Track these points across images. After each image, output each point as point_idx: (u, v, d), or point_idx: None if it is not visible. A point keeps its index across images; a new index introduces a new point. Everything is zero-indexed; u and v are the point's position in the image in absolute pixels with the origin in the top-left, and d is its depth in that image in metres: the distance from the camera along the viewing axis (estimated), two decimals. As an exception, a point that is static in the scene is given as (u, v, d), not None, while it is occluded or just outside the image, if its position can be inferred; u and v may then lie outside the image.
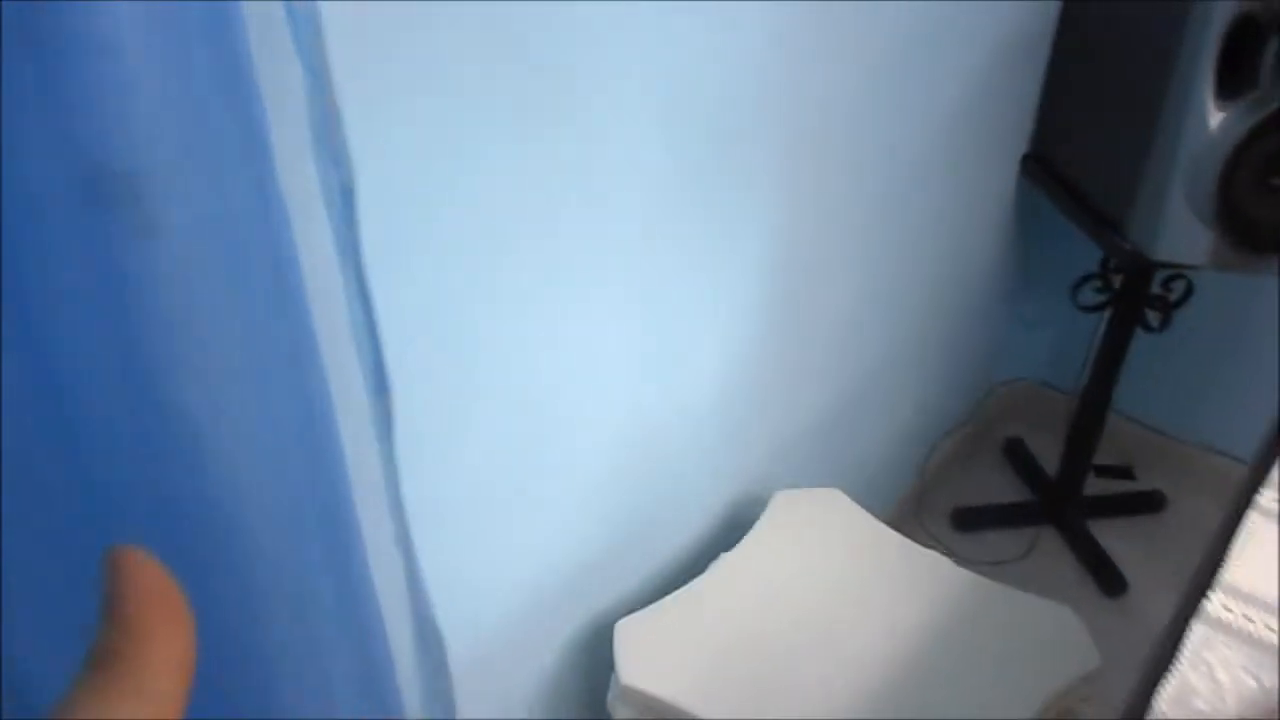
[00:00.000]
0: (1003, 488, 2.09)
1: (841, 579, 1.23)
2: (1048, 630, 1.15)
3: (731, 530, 1.34)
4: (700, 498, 1.35)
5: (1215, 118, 1.37)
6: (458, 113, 0.75)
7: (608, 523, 1.18)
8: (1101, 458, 1.96)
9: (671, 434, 1.22)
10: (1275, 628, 0.72)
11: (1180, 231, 1.44)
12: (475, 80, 0.75)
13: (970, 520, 1.98)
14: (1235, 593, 0.75)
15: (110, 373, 0.53)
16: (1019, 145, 1.75)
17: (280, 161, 0.53)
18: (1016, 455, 2.14)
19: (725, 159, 1.08)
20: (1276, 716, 0.63)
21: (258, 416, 0.58)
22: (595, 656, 1.21)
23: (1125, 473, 2.08)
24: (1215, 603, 0.74)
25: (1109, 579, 1.85)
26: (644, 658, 1.12)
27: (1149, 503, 2.02)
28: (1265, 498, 0.85)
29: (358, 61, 0.64)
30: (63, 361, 0.52)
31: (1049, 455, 2.04)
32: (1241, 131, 1.35)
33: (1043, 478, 2.05)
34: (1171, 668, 0.68)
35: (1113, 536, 1.93)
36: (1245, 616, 0.73)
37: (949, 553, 1.26)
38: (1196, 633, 0.71)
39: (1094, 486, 1.99)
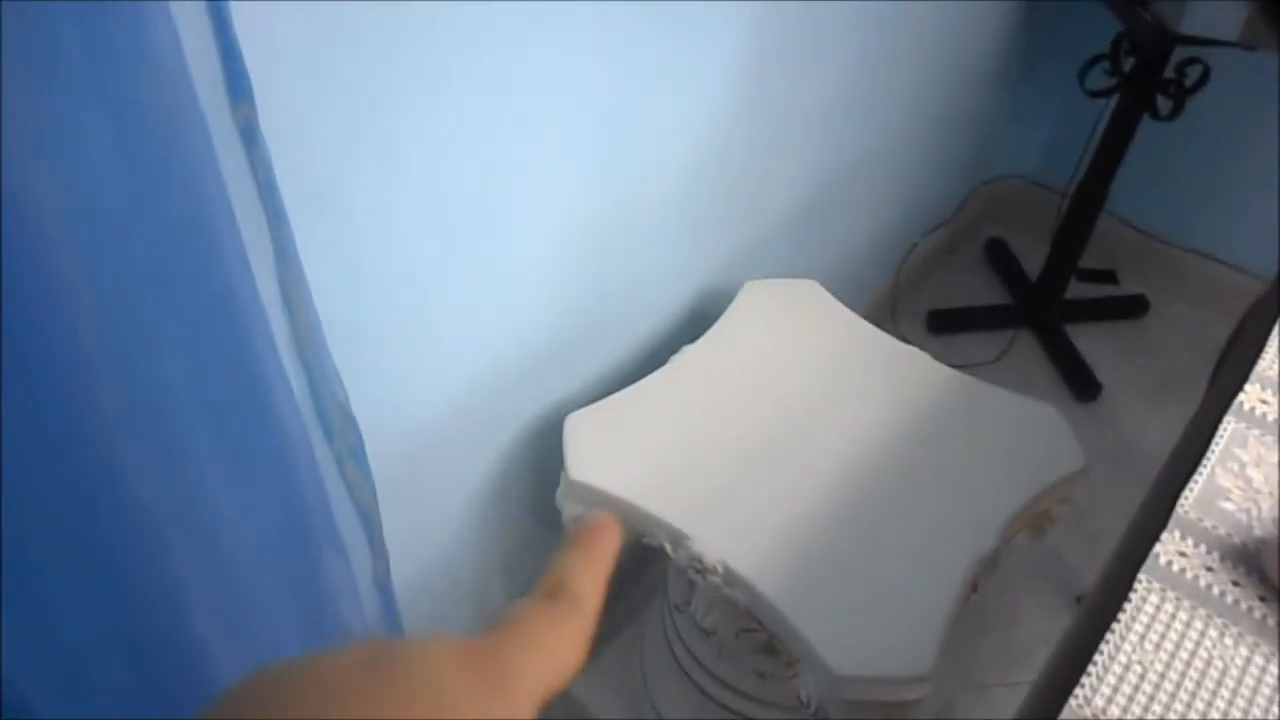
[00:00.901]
0: (981, 290, 2.00)
1: (813, 373, 1.13)
2: (1031, 429, 1.07)
3: (697, 322, 1.23)
4: (664, 289, 1.23)
5: None
6: None
7: (560, 313, 1.06)
8: (1086, 261, 1.86)
9: (634, 221, 1.09)
10: (1318, 424, 0.62)
11: (1210, 2, 1.28)
12: None
13: (945, 322, 1.90)
14: (1274, 386, 0.65)
15: None
16: (1036, -97, 1.54)
17: None
18: (998, 256, 2.04)
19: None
20: (1312, 522, 0.54)
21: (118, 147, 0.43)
22: (546, 450, 1.12)
23: (1109, 276, 1.99)
24: (1251, 396, 0.64)
25: (1082, 383, 1.79)
26: (595, 452, 1.03)
27: (1130, 308, 1.94)
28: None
29: None
30: None
31: (1032, 258, 1.94)
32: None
33: (1023, 280, 1.96)
34: (1199, 467, 0.59)
35: (1090, 341, 1.86)
36: (1284, 411, 0.64)
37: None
38: (1229, 429, 0.62)
39: (1076, 290, 1.90)
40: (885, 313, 1.87)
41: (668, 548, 1.00)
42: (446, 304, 0.90)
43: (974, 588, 0.98)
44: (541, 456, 1.14)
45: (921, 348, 1.17)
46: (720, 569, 0.96)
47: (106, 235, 0.40)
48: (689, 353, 1.14)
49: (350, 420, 0.64)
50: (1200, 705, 0.48)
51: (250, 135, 0.48)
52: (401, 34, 0.66)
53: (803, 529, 0.99)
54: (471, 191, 0.84)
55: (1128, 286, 1.98)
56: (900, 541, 0.98)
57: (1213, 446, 0.60)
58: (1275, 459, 0.60)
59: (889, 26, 1.35)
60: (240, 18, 0.47)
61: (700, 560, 0.97)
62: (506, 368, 1.03)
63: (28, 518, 0.48)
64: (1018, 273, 1.98)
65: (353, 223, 0.72)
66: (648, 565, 1.46)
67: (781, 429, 1.07)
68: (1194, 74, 1.57)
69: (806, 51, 1.21)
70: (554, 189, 0.94)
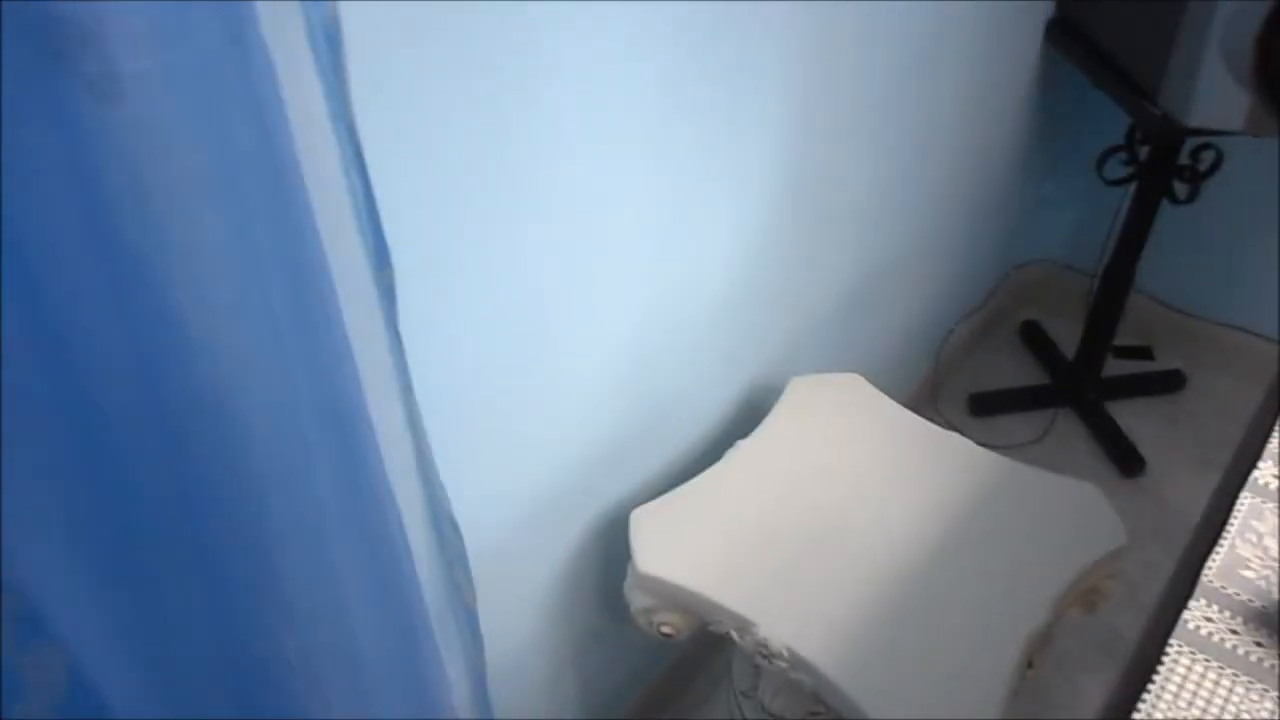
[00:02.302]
0: (1019, 372, 2.06)
1: (861, 463, 1.20)
2: (1073, 508, 1.13)
3: (748, 418, 1.30)
4: (716, 386, 1.31)
5: (1257, -30, 1.28)
6: None
7: (623, 413, 1.15)
8: (1121, 338, 1.92)
9: (687, 323, 1.18)
10: (1328, 496, 0.69)
11: (1216, 95, 1.37)
12: None
13: (987, 405, 1.95)
14: (1285, 462, 0.72)
15: (82, 253, 0.48)
16: (1044, 9, 1.66)
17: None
18: (1033, 338, 2.10)
19: (737, 34, 1.01)
20: (1329, 586, 0.60)
21: (249, 299, 0.53)
22: (612, 545, 1.19)
23: (1145, 353, 2.04)
24: (1264, 472, 0.70)
25: (1127, 459, 1.83)
26: (660, 545, 1.10)
27: (1168, 382, 1.99)
28: (1315, 364, 0.81)
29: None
30: (29, 240, 0.48)
31: (1066, 338, 2.00)
32: (1286, -15, 1.26)
33: (1060, 360, 2.02)
34: (1219, 540, 0.65)
35: (1131, 417, 1.90)
36: (1296, 485, 0.70)
37: (966, 438, 1.23)
38: (1245, 503, 0.68)
39: (1113, 368, 1.96)
40: (927, 397, 1.94)
41: (734, 635, 1.06)
42: (521, 412, 0.99)
43: (1029, 664, 1.03)
44: (609, 551, 1.21)
45: (964, 430, 1.23)
46: (786, 653, 1.02)
47: (281, 381, 0.49)
48: (743, 447, 1.22)
49: (456, 530, 0.73)
50: (1233, 756, 0.54)
51: (388, 294, 0.58)
52: (488, 175, 0.77)
53: (861, 612, 1.04)
54: (543, 308, 0.94)
55: (1164, 362, 2.03)
56: (955, 620, 1.03)
57: (1232, 520, 0.66)
58: (1290, 529, 0.66)
59: (914, 126, 1.45)
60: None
61: (766, 645, 1.03)
62: (574, 468, 1.11)
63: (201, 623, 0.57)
64: (1054, 353, 2.04)
65: (447, 349, 0.82)
66: (712, 654, 1.51)
67: (835, 517, 1.14)
68: (1208, 159, 1.65)
69: (838, 154, 1.31)
70: (612, 298, 1.04)
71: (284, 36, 0.51)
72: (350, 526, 0.64)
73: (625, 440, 1.17)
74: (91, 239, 0.46)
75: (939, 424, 1.25)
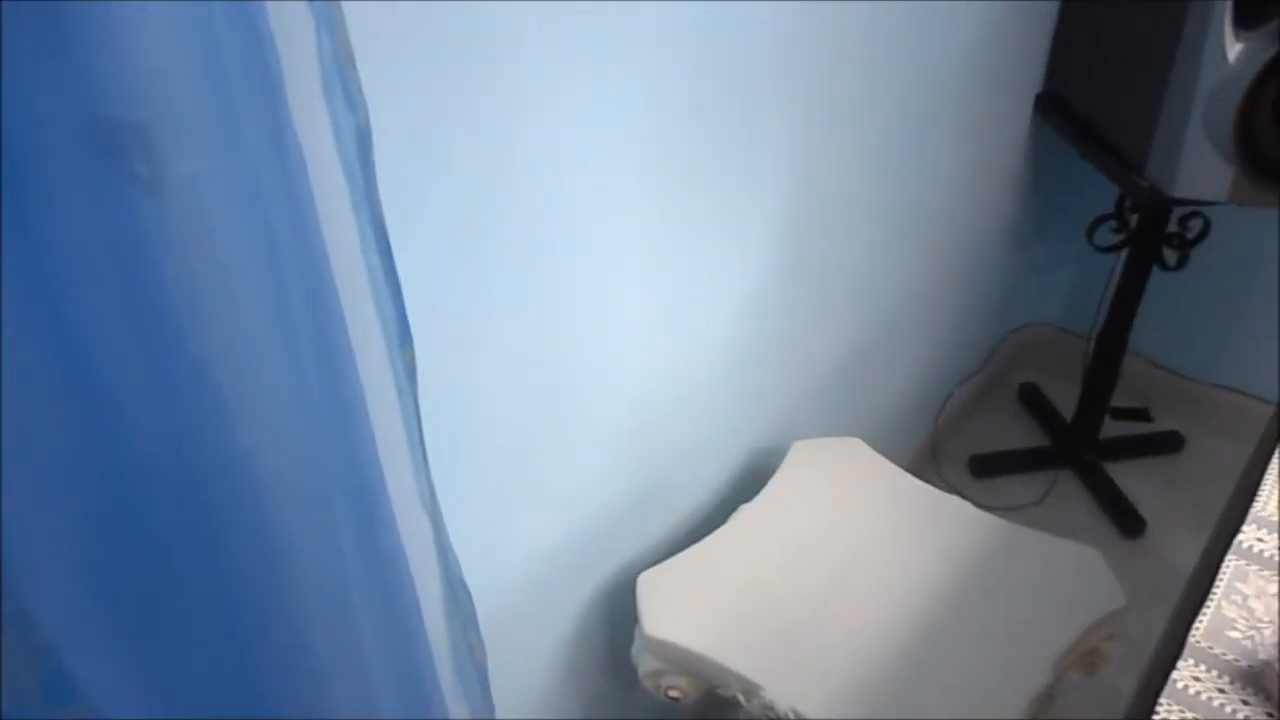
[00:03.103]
0: (1019, 433, 2.08)
1: (862, 526, 1.22)
2: (1071, 570, 1.15)
3: (751, 481, 1.33)
4: (719, 450, 1.34)
5: (1234, 49, 1.33)
6: (469, 50, 0.72)
7: (628, 477, 1.18)
8: (1118, 400, 1.95)
9: (688, 387, 1.21)
10: (1310, 558, 0.71)
11: (1199, 167, 1.42)
12: (492, 21, 0.72)
13: (987, 466, 1.98)
14: (1269, 525, 0.74)
15: (124, 332, 0.52)
16: (1033, 84, 1.72)
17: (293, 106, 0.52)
18: (1032, 400, 2.13)
19: (738, 106, 1.06)
20: (1313, 646, 0.63)
21: (280, 375, 0.57)
22: (619, 609, 1.21)
23: (1142, 414, 2.07)
24: (1248, 535, 0.73)
25: (1127, 520, 1.85)
26: (667, 609, 1.12)
27: (1167, 443, 2.01)
28: (1296, 429, 0.84)
29: (373, 10, 0.62)
30: (74, 319, 0.51)
31: (1065, 399, 2.03)
32: (1261, 62, 1.31)
33: (1059, 422, 2.04)
34: (1206, 602, 0.67)
35: (1130, 478, 1.92)
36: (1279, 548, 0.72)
37: (967, 500, 1.25)
38: (1230, 566, 0.71)
39: (1111, 429, 1.98)
40: (928, 460, 1.96)
41: (741, 698, 1.07)
42: (529, 477, 1.02)
43: (1032, 725, 1.04)
44: (615, 614, 1.23)
45: (966, 492, 1.26)
46: (792, 715, 1.03)
47: (309, 455, 0.53)
48: (746, 511, 1.25)
49: (468, 594, 0.75)
50: (1222, 813, 0.56)
51: (410, 371, 0.61)
52: (494, 250, 0.81)
53: (865, 674, 1.06)
54: (555, 375, 0.97)
55: (1162, 423, 2.05)
56: (957, 682, 1.05)
57: (1218, 582, 0.69)
58: (1274, 590, 0.68)
59: (910, 195, 1.50)
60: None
61: (773, 708, 1.04)
62: (581, 532, 1.13)
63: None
64: (1053, 415, 2.07)
65: (460, 417, 0.85)
66: (719, 718, 1.52)
67: (838, 579, 1.16)
68: (1196, 226, 1.70)
69: (837, 222, 1.36)
70: (620, 365, 1.07)
71: (313, 134, 0.56)
72: (369, 593, 0.66)
73: (632, 504, 1.20)
74: (138, 325, 0.50)
75: (940, 485, 1.27)
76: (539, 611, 1.13)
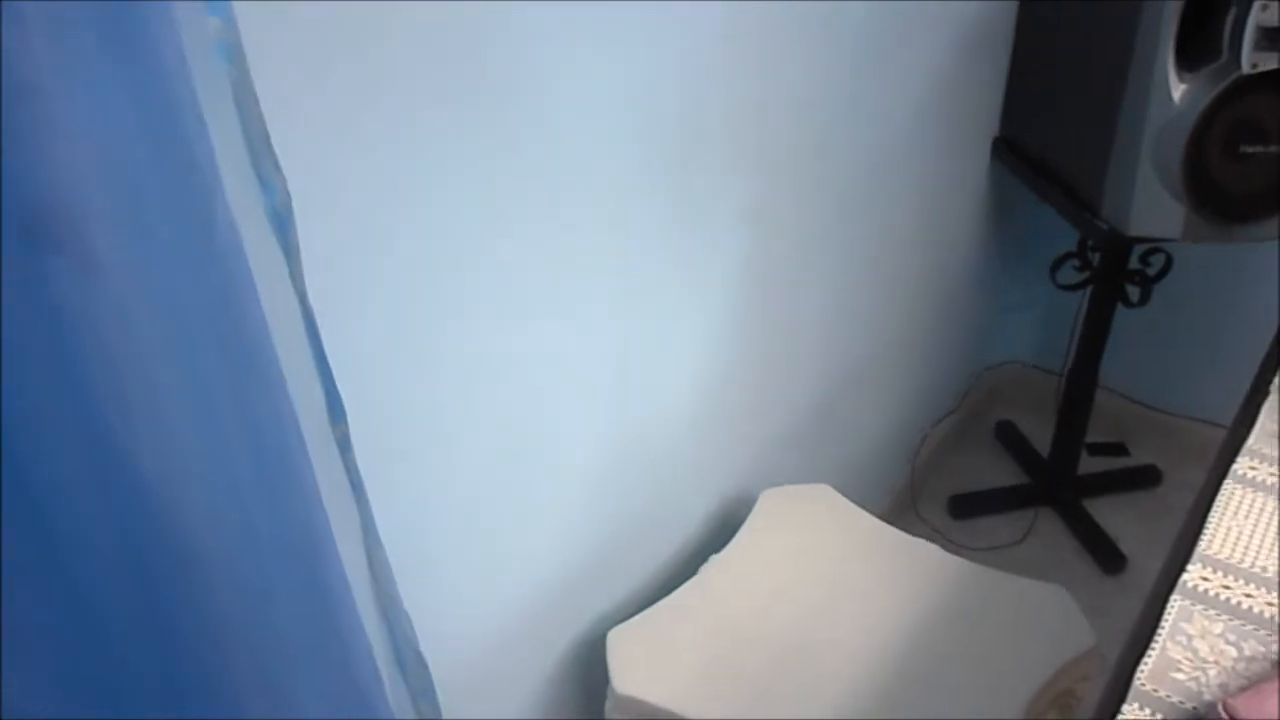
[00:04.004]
0: (997, 472, 2.09)
1: (832, 574, 1.22)
2: (1041, 611, 1.15)
3: (721, 531, 1.33)
4: (687, 501, 1.34)
5: (1178, 89, 1.37)
6: (413, 125, 0.74)
7: (595, 534, 1.18)
8: (1094, 435, 1.96)
9: (654, 440, 1.22)
10: (1253, 594, 0.72)
11: (1152, 206, 1.44)
12: (430, 89, 0.74)
13: (967, 507, 1.98)
14: (1213, 563, 0.75)
15: (57, 418, 0.52)
16: (989, 130, 1.75)
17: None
18: (1009, 438, 2.14)
19: (695, 158, 1.08)
20: (1259, 682, 0.63)
21: (216, 453, 0.57)
22: (591, 667, 1.21)
23: (1119, 449, 2.07)
24: (1193, 574, 0.74)
25: (1108, 556, 1.84)
26: (638, 665, 1.12)
27: (1144, 478, 2.02)
28: (1241, 465, 0.85)
29: (308, 73, 0.63)
30: (7, 411, 0.52)
31: (1041, 436, 2.03)
32: (1205, 101, 1.35)
33: (1036, 459, 2.05)
34: (1151, 643, 0.68)
35: (1110, 513, 1.93)
36: (1223, 585, 0.73)
37: (947, 541, 1.26)
38: (1175, 606, 0.71)
39: (1089, 465, 1.99)
40: (907, 502, 1.96)
41: (712, 753, 1.07)
42: (494, 540, 1.02)
43: (1005, 771, 1.04)
44: (588, 673, 1.22)
45: (946, 533, 1.26)
46: (763, 770, 1.02)
47: (250, 529, 0.53)
48: (716, 562, 1.25)
49: (422, 662, 0.75)
50: None
51: (345, 445, 0.62)
52: (451, 308, 0.82)
53: (837, 725, 1.05)
54: (512, 436, 0.98)
55: (1139, 457, 2.06)
56: (929, 729, 1.04)
57: (1162, 624, 0.69)
58: (1218, 630, 0.69)
59: (873, 241, 1.53)
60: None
61: (743, 763, 1.03)
62: (551, 589, 1.13)
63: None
64: (1030, 452, 2.08)
65: (421, 483, 0.86)
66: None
67: (809, 629, 1.16)
68: (1157, 263, 1.72)
69: (800, 269, 1.37)
70: (582, 423, 1.08)
71: (246, 214, 0.57)
72: (319, 662, 0.66)
73: (600, 561, 1.20)
74: (67, 412, 0.50)
75: (920, 528, 1.28)
76: (507, 674, 1.12)
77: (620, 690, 1.10)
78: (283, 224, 0.52)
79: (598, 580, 1.21)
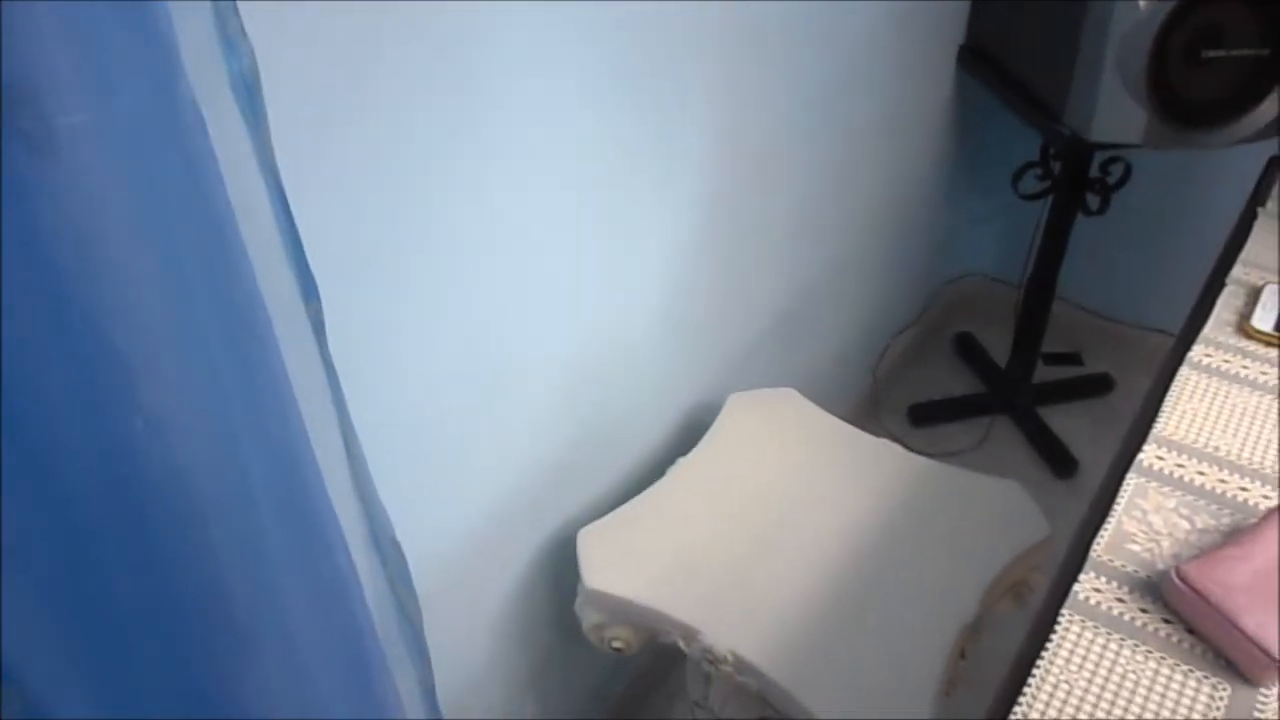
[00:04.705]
0: (956, 382, 2.13)
1: (796, 473, 1.25)
2: (997, 505, 1.18)
3: (689, 435, 1.35)
4: (655, 407, 1.36)
5: (1144, -6, 1.37)
6: (378, 18, 0.72)
7: (568, 436, 1.19)
8: (1050, 345, 2.00)
9: (624, 345, 1.22)
10: (1205, 471, 0.74)
11: (1115, 112, 1.45)
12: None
13: (926, 415, 2.02)
14: (1168, 444, 0.78)
15: (27, 305, 0.51)
16: (955, 38, 1.74)
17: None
18: (968, 349, 2.17)
19: (661, 65, 1.07)
20: (1210, 550, 0.66)
21: (188, 338, 0.56)
22: (561, 565, 1.23)
23: (1073, 358, 2.12)
24: (1149, 454, 0.76)
25: (1060, 461, 1.90)
26: (607, 562, 1.14)
27: (1097, 386, 2.07)
28: (1196, 352, 0.87)
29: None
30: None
31: (999, 347, 2.07)
32: (1169, 7, 1.35)
33: (994, 369, 2.09)
34: (1107, 518, 0.70)
35: (1063, 420, 1.98)
36: (1177, 464, 0.76)
37: (906, 448, 1.28)
38: (1131, 484, 0.74)
39: (1044, 374, 2.03)
40: (868, 410, 2.00)
41: (681, 644, 1.10)
42: (467, 439, 1.02)
43: (962, 655, 1.08)
44: (559, 572, 1.24)
45: (906, 440, 1.29)
46: (730, 658, 1.05)
47: (219, 413, 0.53)
48: (683, 464, 1.26)
49: (398, 548, 0.76)
50: (1119, 712, 0.59)
51: (318, 326, 0.62)
52: (419, 201, 0.81)
53: (802, 614, 1.09)
54: (486, 337, 0.98)
55: (1092, 366, 2.11)
56: (890, 617, 1.08)
57: (1119, 499, 0.72)
58: (1172, 505, 0.72)
59: (837, 151, 1.52)
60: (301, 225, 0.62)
61: (712, 651, 1.06)
62: (522, 491, 1.14)
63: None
64: (988, 363, 2.12)
65: (393, 380, 0.85)
66: (668, 669, 1.54)
67: (774, 525, 1.18)
68: (1117, 171, 1.74)
69: (765, 179, 1.37)
70: (552, 325, 1.08)
71: (208, 86, 0.55)
72: (295, 548, 0.67)
73: (571, 462, 1.21)
74: (32, 289, 0.49)
75: (881, 435, 1.30)
76: (483, 572, 1.14)
77: (589, 586, 1.12)
78: (249, 91, 0.51)
79: (569, 482, 1.22)
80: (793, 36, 1.28)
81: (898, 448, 1.28)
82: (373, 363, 0.83)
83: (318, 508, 0.68)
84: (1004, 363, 2.03)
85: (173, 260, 0.54)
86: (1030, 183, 1.76)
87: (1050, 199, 1.77)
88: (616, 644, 1.14)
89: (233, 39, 0.49)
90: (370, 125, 0.74)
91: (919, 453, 1.27)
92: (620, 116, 1.04)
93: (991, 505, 1.19)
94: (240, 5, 0.54)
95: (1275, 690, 0.60)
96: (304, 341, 0.62)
